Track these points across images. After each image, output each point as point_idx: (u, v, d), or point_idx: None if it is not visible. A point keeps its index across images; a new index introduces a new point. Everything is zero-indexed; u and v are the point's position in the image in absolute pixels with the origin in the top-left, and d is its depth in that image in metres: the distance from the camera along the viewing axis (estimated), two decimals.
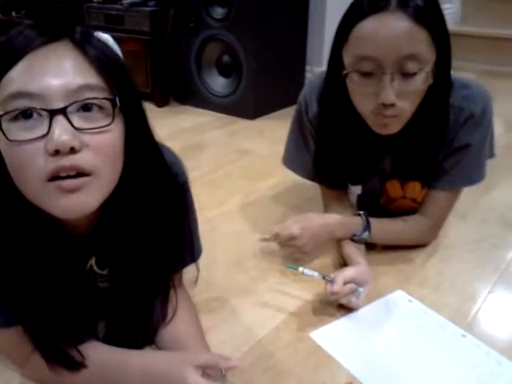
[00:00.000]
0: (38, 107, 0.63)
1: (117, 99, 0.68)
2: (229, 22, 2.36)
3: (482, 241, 1.35)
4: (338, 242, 1.21)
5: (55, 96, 0.63)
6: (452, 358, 0.94)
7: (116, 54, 0.72)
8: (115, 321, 0.87)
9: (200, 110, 2.64)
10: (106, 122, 0.67)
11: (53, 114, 0.63)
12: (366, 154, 1.19)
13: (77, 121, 0.65)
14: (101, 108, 0.67)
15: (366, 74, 1.00)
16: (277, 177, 1.73)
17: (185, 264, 0.96)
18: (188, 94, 2.69)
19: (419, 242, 1.29)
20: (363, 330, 1.02)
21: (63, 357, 0.77)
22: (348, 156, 1.19)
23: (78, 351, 0.78)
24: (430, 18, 0.97)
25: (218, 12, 2.39)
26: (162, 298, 0.89)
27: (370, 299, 1.08)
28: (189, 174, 0.90)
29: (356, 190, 1.29)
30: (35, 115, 0.64)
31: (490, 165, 1.21)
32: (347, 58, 1.02)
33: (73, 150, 0.63)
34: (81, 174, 0.65)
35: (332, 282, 1.01)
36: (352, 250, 1.16)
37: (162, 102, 2.68)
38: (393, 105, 0.99)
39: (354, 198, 1.31)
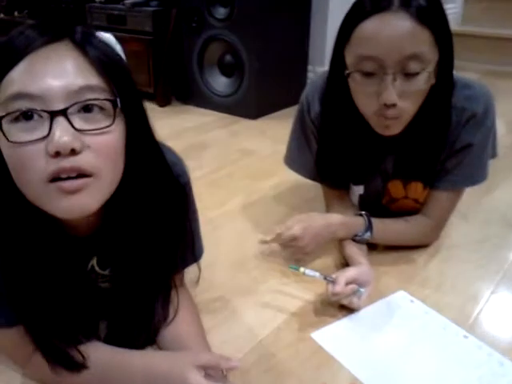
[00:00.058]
0: (38, 108, 0.63)
1: (118, 100, 0.67)
2: (231, 21, 2.35)
3: (485, 241, 1.35)
4: (340, 242, 1.21)
5: (56, 97, 0.63)
6: (454, 359, 0.94)
7: (117, 55, 0.71)
8: (117, 321, 0.87)
9: (202, 110, 2.64)
10: (107, 123, 0.66)
11: (53, 115, 0.63)
12: (368, 154, 1.19)
13: (77, 122, 0.64)
14: (102, 109, 0.67)
15: (368, 74, 0.99)
16: (279, 177, 1.73)
17: (186, 264, 0.96)
18: (190, 93, 2.69)
19: (421, 242, 1.28)
20: (365, 331, 1.01)
21: (64, 357, 0.77)
22: (350, 156, 1.19)
23: (79, 352, 0.78)
24: (432, 17, 0.96)
25: (221, 12, 2.39)
26: (163, 298, 0.89)
27: (372, 300, 1.08)
28: (191, 173, 0.90)
29: (358, 190, 1.29)
30: (36, 116, 0.63)
31: (493, 165, 1.21)
32: (349, 57, 1.02)
33: (73, 152, 0.63)
34: (82, 175, 0.65)
35: (333, 282, 1.01)
36: (354, 251, 1.16)
37: (164, 102, 2.68)
38: (394, 105, 0.99)
39: (355, 198, 1.31)
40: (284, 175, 1.59)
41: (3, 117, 0.63)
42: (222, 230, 1.42)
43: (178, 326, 0.90)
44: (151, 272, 0.84)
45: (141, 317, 0.87)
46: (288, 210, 1.51)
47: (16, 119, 0.63)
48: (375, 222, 1.19)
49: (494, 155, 1.21)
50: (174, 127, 2.34)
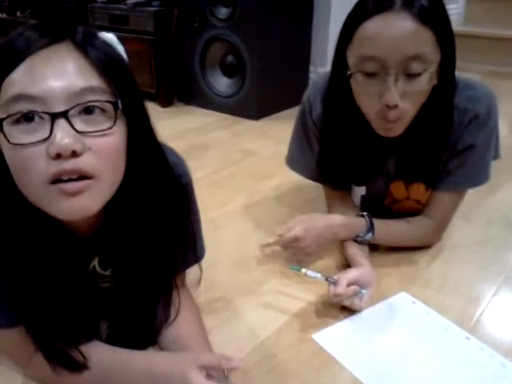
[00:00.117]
0: (39, 110, 0.63)
1: (119, 102, 0.67)
2: (233, 22, 2.35)
3: (487, 242, 1.34)
4: (342, 243, 1.21)
5: (57, 99, 0.63)
6: (456, 360, 0.94)
7: (119, 55, 0.71)
8: (118, 321, 0.87)
9: (204, 111, 2.64)
10: (108, 125, 0.66)
11: (54, 117, 0.63)
12: (370, 154, 1.19)
13: (79, 124, 0.64)
14: (103, 111, 0.66)
15: (370, 75, 0.99)
16: (280, 177, 1.73)
17: (188, 265, 0.96)
18: (192, 94, 2.69)
19: (423, 243, 1.28)
20: (366, 332, 1.01)
21: (65, 358, 0.77)
22: (352, 157, 1.19)
23: (80, 352, 0.78)
24: (434, 18, 0.96)
25: (223, 12, 2.39)
26: (164, 298, 0.89)
27: (374, 301, 1.08)
28: (192, 174, 0.90)
29: (360, 191, 1.28)
30: (37, 118, 0.63)
31: (495, 166, 1.21)
32: (351, 58, 1.02)
33: (74, 154, 0.63)
34: (83, 177, 0.65)
35: (335, 283, 1.01)
36: (355, 252, 1.15)
37: (166, 103, 2.68)
38: (396, 106, 0.99)
39: (357, 199, 1.30)
40: (286, 176, 1.59)
41: (4, 119, 0.63)
42: (223, 230, 1.42)
43: (180, 327, 0.90)
44: (153, 273, 0.84)
45: (142, 317, 0.87)
46: (290, 210, 1.51)
47: (17, 121, 0.63)
48: (377, 222, 1.19)
49: (496, 156, 1.21)
50: (176, 128, 2.34)
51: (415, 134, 1.11)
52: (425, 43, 0.96)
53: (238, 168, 1.88)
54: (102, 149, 0.66)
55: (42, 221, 0.71)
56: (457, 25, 3.37)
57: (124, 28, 2.62)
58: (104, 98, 0.66)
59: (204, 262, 0.97)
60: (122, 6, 2.64)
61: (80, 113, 0.65)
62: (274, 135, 2.24)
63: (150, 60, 2.61)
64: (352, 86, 1.05)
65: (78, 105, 0.64)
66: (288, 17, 2.45)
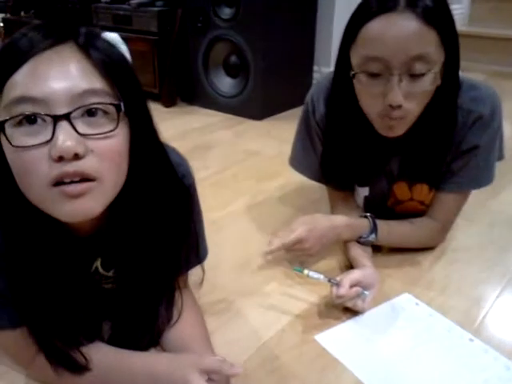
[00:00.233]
0: (41, 112, 0.63)
1: (121, 104, 0.67)
2: (236, 22, 2.35)
3: (490, 244, 1.34)
4: (345, 244, 1.21)
5: (59, 101, 0.63)
6: (459, 362, 0.93)
7: (122, 56, 0.71)
8: (120, 322, 0.87)
9: (207, 111, 2.64)
10: (111, 127, 0.66)
11: (56, 119, 0.63)
12: (373, 155, 1.18)
13: (81, 126, 0.64)
14: (105, 113, 0.66)
15: (374, 75, 0.99)
16: (284, 178, 1.72)
17: (190, 266, 0.96)
18: (195, 94, 2.69)
19: (427, 244, 1.28)
20: (369, 333, 1.01)
21: (67, 359, 0.77)
22: (355, 158, 1.18)
23: (82, 354, 0.78)
24: (438, 18, 0.96)
25: (226, 12, 2.39)
26: (167, 299, 0.89)
27: (377, 302, 1.08)
28: (195, 174, 0.90)
29: (363, 192, 1.28)
30: (39, 120, 0.63)
31: (499, 167, 1.20)
32: (355, 58, 1.01)
33: (77, 156, 0.63)
34: (85, 179, 0.65)
35: (338, 284, 1.01)
36: (358, 253, 1.15)
37: (169, 103, 2.68)
38: (400, 106, 0.98)
39: (360, 200, 1.30)
40: (289, 176, 1.59)
41: (6, 121, 0.63)
42: (226, 231, 1.41)
43: (182, 328, 0.90)
44: (155, 274, 0.84)
45: (144, 318, 0.87)
46: (293, 211, 1.51)
47: (19, 123, 0.63)
48: (380, 223, 1.19)
49: (500, 157, 1.20)
50: (179, 128, 2.34)
51: (419, 134, 1.10)
52: (429, 43, 0.95)
53: (242, 168, 1.88)
54: (105, 151, 0.66)
55: (45, 222, 0.71)
56: (461, 25, 3.37)
57: (127, 28, 2.62)
58: (107, 100, 0.66)
59: (206, 263, 0.97)
60: (125, 6, 2.65)
61: (82, 115, 0.65)
62: (278, 135, 2.23)
63: (153, 60, 2.61)
64: (355, 87, 1.04)
65: (80, 107, 0.64)
66: (291, 17, 2.45)
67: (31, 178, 0.64)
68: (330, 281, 1.03)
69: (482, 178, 1.18)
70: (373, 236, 1.18)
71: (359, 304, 1.03)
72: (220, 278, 1.17)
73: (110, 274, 0.86)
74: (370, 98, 1.03)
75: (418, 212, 1.24)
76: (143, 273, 0.83)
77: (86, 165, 0.64)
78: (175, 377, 0.74)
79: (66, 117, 0.63)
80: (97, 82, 0.65)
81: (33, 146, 0.63)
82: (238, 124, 2.45)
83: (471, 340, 0.99)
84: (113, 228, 0.79)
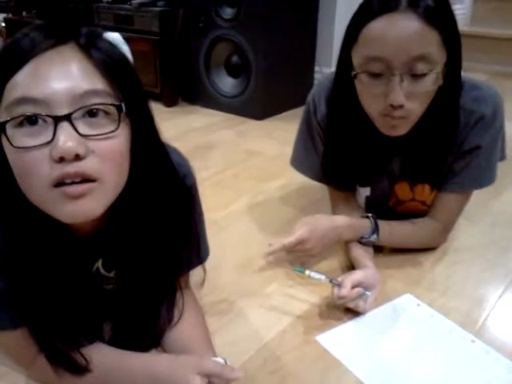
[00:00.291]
0: (42, 113, 0.62)
1: (123, 105, 0.67)
2: (238, 22, 2.35)
3: (492, 244, 1.33)
4: (346, 244, 1.20)
5: (60, 102, 0.62)
6: (461, 364, 0.93)
7: (123, 56, 0.71)
8: (121, 323, 0.87)
9: (209, 111, 2.64)
10: (112, 128, 0.66)
11: (57, 120, 0.62)
12: (374, 155, 1.18)
13: (82, 127, 0.64)
14: (106, 113, 0.66)
15: (375, 75, 0.98)
16: (285, 178, 1.72)
17: (192, 266, 0.95)
18: (197, 94, 2.69)
19: (428, 245, 1.27)
20: (371, 334, 1.01)
21: (67, 360, 0.77)
22: (356, 158, 1.18)
23: (82, 355, 0.78)
24: (440, 18, 0.95)
25: (228, 12, 2.39)
26: (168, 300, 0.89)
27: (378, 303, 1.07)
28: (197, 174, 0.89)
29: (364, 192, 1.28)
30: (40, 121, 0.63)
31: (501, 167, 1.20)
32: (356, 58, 1.01)
33: (78, 157, 0.63)
34: (86, 180, 0.65)
35: (339, 285, 1.01)
36: (360, 253, 1.15)
37: (170, 102, 2.68)
38: (401, 106, 0.98)
39: (362, 200, 1.30)
40: (291, 176, 1.58)
41: (7, 121, 0.63)
42: (227, 231, 1.41)
43: (183, 329, 0.90)
44: (156, 274, 0.84)
45: (146, 319, 0.86)
46: (294, 211, 1.51)
47: (20, 124, 0.63)
48: (382, 224, 1.19)
49: (502, 157, 1.20)
50: (181, 128, 2.34)
51: (420, 134, 1.10)
52: (430, 44, 0.95)
53: (243, 168, 1.88)
54: (106, 152, 0.66)
55: (46, 223, 0.71)
56: (463, 25, 3.36)
57: (129, 28, 2.62)
58: (108, 100, 0.66)
59: (208, 263, 0.97)
60: (127, 6, 2.64)
61: (83, 116, 0.64)
62: (279, 135, 2.23)
63: (154, 60, 2.61)
64: (357, 87, 1.04)
65: (81, 108, 0.64)
66: (293, 17, 2.45)
67: (32, 178, 0.64)
68: (331, 281, 1.03)
69: (484, 178, 1.18)
70: (374, 236, 1.18)
71: (361, 305, 1.03)
72: (221, 278, 1.17)
73: (111, 274, 0.86)
74: (371, 98, 1.03)
75: (419, 212, 1.24)
76: (144, 273, 0.83)
77: (87, 165, 0.64)
78: (176, 378, 0.74)
79: (67, 117, 0.63)
80: (98, 83, 0.65)
81: (34, 146, 0.63)
82: (240, 124, 2.44)
83: (473, 341, 0.98)
84: (114, 229, 0.79)
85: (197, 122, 2.46)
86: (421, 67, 0.96)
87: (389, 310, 1.07)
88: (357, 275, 1.03)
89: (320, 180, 1.31)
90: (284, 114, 2.57)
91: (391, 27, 0.94)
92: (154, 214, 0.79)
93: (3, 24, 3.27)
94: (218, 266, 1.17)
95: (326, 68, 2.70)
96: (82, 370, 0.77)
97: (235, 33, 2.38)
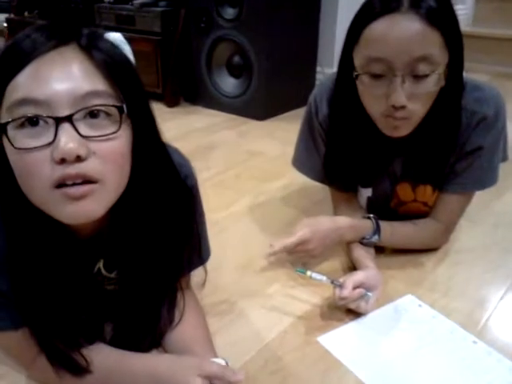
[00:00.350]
0: (44, 115, 0.62)
1: (124, 106, 0.67)
2: (240, 22, 2.35)
3: (494, 245, 1.33)
4: (348, 245, 1.20)
5: (61, 103, 0.62)
6: (462, 365, 0.93)
7: (125, 57, 0.71)
8: (122, 323, 0.87)
9: (210, 111, 2.64)
10: (113, 129, 0.66)
11: (59, 121, 0.62)
12: (376, 156, 1.18)
13: (83, 128, 0.64)
14: (108, 115, 0.66)
15: (377, 76, 0.98)
16: (287, 178, 1.72)
17: (193, 267, 0.95)
18: (198, 94, 2.69)
19: (430, 245, 1.27)
20: (372, 335, 1.00)
21: (68, 361, 0.77)
22: (358, 158, 1.18)
23: (83, 356, 0.78)
24: (442, 19, 0.95)
25: (229, 12, 2.39)
26: (169, 300, 0.89)
27: (380, 303, 1.07)
28: (198, 174, 0.89)
29: (366, 193, 1.28)
30: (41, 122, 0.63)
31: (503, 168, 1.20)
32: (358, 59, 1.01)
33: (79, 158, 0.63)
34: (87, 181, 0.65)
35: (341, 286, 1.00)
36: (361, 254, 1.15)
37: (172, 103, 2.68)
38: (403, 107, 0.98)
39: (363, 201, 1.30)
40: (292, 177, 1.58)
41: (8, 123, 0.63)
42: (228, 231, 1.41)
43: (184, 329, 0.90)
44: (158, 275, 0.84)
45: (147, 320, 0.86)
46: (296, 212, 1.51)
47: (22, 125, 0.63)
48: (383, 224, 1.18)
49: (504, 158, 1.20)
50: (182, 128, 2.34)
51: (422, 135, 1.10)
52: (432, 44, 0.95)
53: (244, 169, 1.88)
54: (107, 153, 0.65)
55: (47, 224, 0.71)
56: (465, 25, 3.36)
57: (131, 28, 2.62)
58: (109, 102, 0.66)
59: (209, 264, 0.97)
60: (128, 7, 2.65)
61: (85, 117, 0.64)
62: (281, 136, 2.23)
63: (156, 60, 2.61)
64: (358, 88, 1.04)
65: (82, 109, 0.64)
66: (295, 17, 2.45)
67: (33, 180, 0.64)
68: (332, 282, 1.03)
69: (486, 179, 1.18)
70: (376, 237, 1.17)
71: (362, 305, 1.03)
72: (222, 279, 1.16)
73: (113, 275, 0.86)
74: (373, 99, 1.03)
75: (421, 213, 1.23)
76: (146, 274, 0.83)
77: (88, 167, 0.64)
78: (177, 378, 0.73)
79: (68, 119, 0.63)
80: (99, 84, 0.65)
81: (35, 148, 0.62)
82: (241, 124, 2.44)
83: (474, 342, 0.98)
84: (115, 229, 0.79)
85: (198, 122, 2.46)
86: (423, 68, 0.96)
87: (390, 311, 1.07)
88: (358, 276, 1.03)
89: (321, 181, 1.31)
90: (286, 115, 2.57)
91: (393, 28, 0.94)
92: (155, 215, 0.79)
93: (5, 24, 3.28)
94: (219, 267, 1.17)
95: (327, 68, 2.70)
96: (82, 370, 0.77)
97: (237, 33, 2.38)
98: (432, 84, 0.98)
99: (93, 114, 0.65)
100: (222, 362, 0.79)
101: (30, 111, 0.62)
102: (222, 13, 2.40)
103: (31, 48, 0.64)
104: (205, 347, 0.87)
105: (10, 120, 0.63)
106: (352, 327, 1.03)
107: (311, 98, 1.24)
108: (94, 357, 0.79)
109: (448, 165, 1.15)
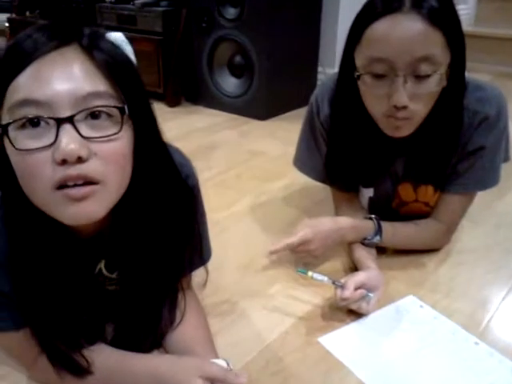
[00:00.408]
0: (45, 115, 0.62)
1: (125, 107, 0.67)
2: (241, 22, 2.35)
3: (496, 246, 1.33)
4: (349, 245, 1.20)
5: (62, 104, 0.62)
6: (464, 366, 0.93)
7: (126, 57, 0.71)
8: (123, 324, 0.87)
9: (212, 111, 2.64)
10: (115, 130, 0.66)
11: (60, 122, 0.62)
12: (377, 156, 1.18)
13: (84, 129, 0.64)
14: (109, 116, 0.66)
15: (379, 76, 0.98)
16: (288, 178, 1.72)
17: (194, 267, 0.95)
18: (200, 94, 2.69)
19: (432, 246, 1.27)
20: (373, 336, 1.00)
21: (69, 362, 0.77)
22: (360, 158, 1.18)
23: (84, 357, 0.78)
24: (444, 19, 0.95)
25: (231, 12, 2.39)
26: (170, 301, 0.89)
27: (381, 304, 1.07)
28: (199, 174, 0.89)
29: (367, 193, 1.28)
30: (42, 123, 0.63)
31: (505, 168, 1.19)
32: (359, 59, 1.01)
33: (80, 159, 0.63)
34: (88, 182, 0.64)
35: (342, 287, 1.00)
36: (363, 254, 1.15)
37: (173, 102, 2.68)
38: (405, 107, 0.98)
39: (365, 201, 1.29)
40: (293, 177, 1.58)
41: (10, 124, 0.63)
42: (229, 231, 1.41)
43: (185, 330, 0.90)
44: (159, 275, 0.84)
45: (148, 320, 0.86)
46: (297, 212, 1.50)
47: (23, 126, 0.63)
48: (385, 225, 1.18)
49: (506, 159, 1.20)
50: (184, 128, 2.33)
51: (424, 135, 1.10)
52: (434, 45, 0.95)
53: (246, 168, 1.87)
54: (108, 154, 0.65)
55: (49, 225, 0.71)
56: (467, 25, 3.35)
57: (132, 28, 2.62)
58: (110, 102, 0.66)
59: (210, 264, 0.97)
60: (130, 6, 2.65)
61: (86, 118, 0.64)
62: (282, 136, 2.23)
63: (157, 60, 2.61)
64: (360, 88, 1.04)
65: (83, 110, 0.63)
66: (296, 17, 2.45)
67: (35, 181, 0.64)
68: (334, 283, 1.02)
69: (488, 180, 1.17)
70: (377, 238, 1.17)
71: (363, 306, 1.02)
72: (223, 279, 1.16)
73: (114, 275, 0.86)
74: (374, 99, 1.03)
75: (422, 213, 1.23)
76: (147, 274, 0.83)
77: (90, 168, 0.64)
78: (178, 379, 0.73)
79: (70, 120, 0.62)
80: (100, 85, 0.65)
81: (36, 149, 0.62)
82: (243, 124, 2.44)
83: (476, 343, 0.98)
84: (116, 230, 0.79)
85: (200, 122, 2.46)
86: (424, 68, 0.95)
87: (392, 312, 1.07)
88: (360, 277, 1.02)
89: (323, 181, 1.31)
90: (287, 114, 2.56)
91: (395, 28, 0.94)
92: (156, 215, 0.79)
93: (7, 24, 3.28)
94: (221, 267, 1.17)
95: (329, 68, 2.69)
96: (83, 371, 0.77)
97: (238, 33, 2.38)
98: (434, 84, 0.98)
99: (94, 114, 0.65)
100: (223, 363, 0.79)
101: (31, 112, 0.62)
102: (223, 12, 2.40)
103: (32, 48, 0.63)
104: (206, 348, 0.87)
105: (11, 121, 0.63)
106: (353, 328, 1.02)
107: (313, 98, 1.24)
108: (95, 357, 0.79)
109: (450, 165, 1.15)
